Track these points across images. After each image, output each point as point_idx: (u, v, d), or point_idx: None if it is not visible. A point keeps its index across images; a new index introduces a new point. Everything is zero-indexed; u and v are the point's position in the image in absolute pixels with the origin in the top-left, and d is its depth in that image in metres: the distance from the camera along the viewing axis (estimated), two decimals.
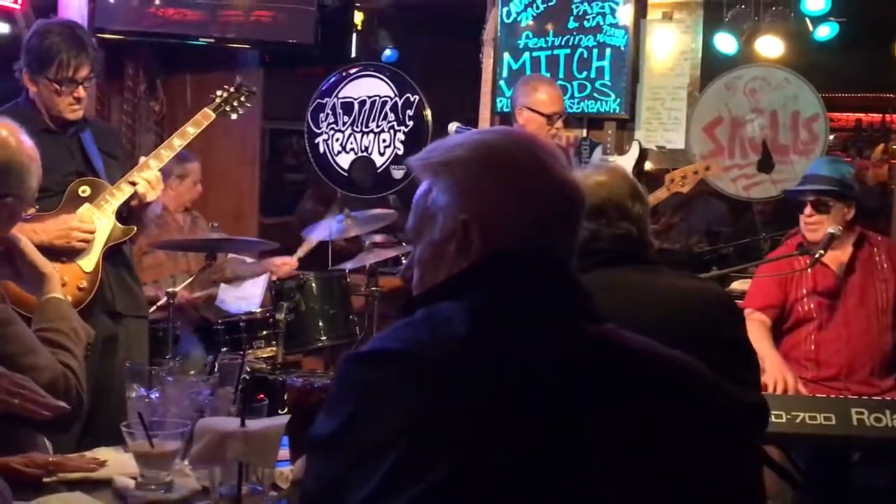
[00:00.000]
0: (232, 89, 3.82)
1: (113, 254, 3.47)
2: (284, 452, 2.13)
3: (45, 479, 2.02)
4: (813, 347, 3.90)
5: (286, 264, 4.95)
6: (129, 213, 3.49)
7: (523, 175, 1.43)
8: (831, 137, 8.59)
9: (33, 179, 2.37)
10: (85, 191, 3.41)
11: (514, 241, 1.40)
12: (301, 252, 5.04)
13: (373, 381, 1.33)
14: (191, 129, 3.64)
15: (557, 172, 1.45)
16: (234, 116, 3.86)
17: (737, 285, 4.57)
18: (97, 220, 3.39)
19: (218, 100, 3.78)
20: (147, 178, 3.44)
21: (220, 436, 1.69)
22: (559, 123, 4.45)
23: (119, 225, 3.46)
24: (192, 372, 2.57)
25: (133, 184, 3.43)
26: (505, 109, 5.12)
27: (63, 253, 3.29)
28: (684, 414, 1.37)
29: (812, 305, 3.90)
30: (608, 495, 1.30)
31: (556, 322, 1.38)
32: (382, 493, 1.25)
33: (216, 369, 2.39)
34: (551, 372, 1.32)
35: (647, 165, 5.45)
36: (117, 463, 2.12)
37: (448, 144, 1.48)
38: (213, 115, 3.72)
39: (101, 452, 2.19)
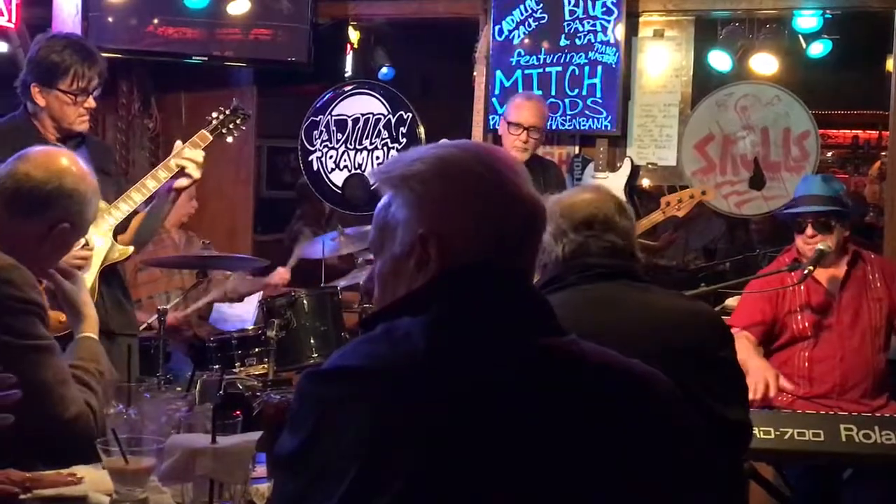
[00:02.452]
0: (228, 112, 3.82)
1: (108, 273, 3.48)
2: (262, 469, 2.13)
3: (21, 496, 2.01)
4: (806, 365, 3.88)
5: (281, 277, 4.97)
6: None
7: (480, 190, 1.42)
8: (829, 155, 8.64)
9: (91, 211, 2.42)
10: None
11: (471, 256, 1.40)
12: (292, 262, 5.06)
13: (331, 397, 1.33)
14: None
15: (516, 187, 1.44)
16: (229, 139, 3.87)
17: (731, 302, 4.56)
18: (94, 239, 3.40)
19: (214, 122, 3.78)
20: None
21: (189, 452, 1.69)
22: (524, 135, 4.47)
23: (116, 245, 3.47)
24: (179, 389, 2.57)
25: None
26: (497, 126, 5.14)
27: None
28: (643, 428, 1.37)
29: (806, 323, 3.88)
30: None
31: (515, 337, 1.38)
32: None
33: (198, 386, 2.40)
34: (508, 387, 1.33)
35: (646, 183, 5.46)
36: (94, 479, 2.12)
37: (408, 158, 1.48)
38: (210, 138, 3.72)
39: (79, 469, 2.18)
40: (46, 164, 2.35)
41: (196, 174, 3.53)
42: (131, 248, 3.52)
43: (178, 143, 3.60)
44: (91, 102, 3.46)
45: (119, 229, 3.51)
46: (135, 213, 3.54)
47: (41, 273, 2.39)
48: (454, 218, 1.41)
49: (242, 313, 5.26)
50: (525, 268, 1.46)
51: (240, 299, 5.21)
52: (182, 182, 3.53)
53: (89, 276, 3.37)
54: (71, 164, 2.38)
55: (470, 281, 1.39)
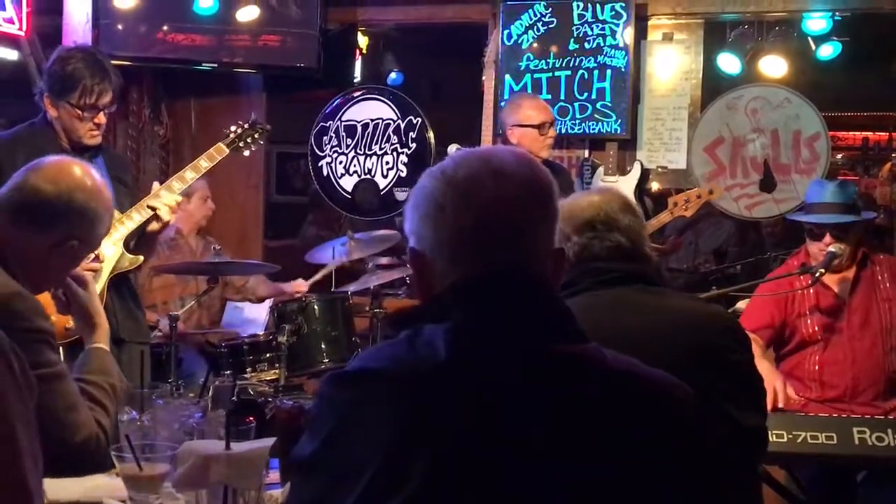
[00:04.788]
0: (246, 126, 3.82)
1: (119, 281, 3.48)
2: (275, 475, 2.13)
3: None
4: (817, 368, 3.87)
5: (297, 288, 4.99)
6: (143, 237, 3.50)
7: (457, 201, 1.43)
8: (839, 157, 8.61)
9: (103, 227, 2.34)
10: None
11: (472, 267, 1.41)
12: (317, 277, 5.08)
13: (352, 400, 1.35)
14: (204, 163, 3.66)
15: (492, 192, 1.43)
16: (246, 153, 3.88)
17: (742, 305, 4.55)
18: (104, 247, 3.40)
19: (232, 135, 3.78)
20: (167, 203, 3.46)
21: (203, 459, 1.69)
22: (552, 131, 4.52)
23: (127, 254, 3.46)
24: (191, 395, 2.58)
25: (153, 208, 3.44)
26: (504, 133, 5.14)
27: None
28: (662, 437, 1.37)
29: (816, 327, 3.87)
30: None
31: (535, 344, 1.38)
32: None
33: (210, 392, 2.40)
34: (528, 393, 1.33)
35: (656, 186, 5.45)
36: (108, 486, 2.12)
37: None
38: (227, 151, 3.72)
39: (95, 478, 2.19)
40: (57, 178, 2.26)
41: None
42: (141, 258, 3.52)
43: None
44: (101, 118, 3.44)
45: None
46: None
47: (51, 286, 2.35)
48: (438, 234, 1.44)
49: (254, 318, 5.28)
50: (535, 270, 1.45)
51: (259, 301, 5.22)
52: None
53: (98, 285, 3.38)
54: (84, 177, 2.29)
55: (486, 288, 1.40)
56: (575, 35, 5.28)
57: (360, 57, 6.37)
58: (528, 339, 1.38)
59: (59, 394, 2.14)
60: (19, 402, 1.62)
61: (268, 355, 4.42)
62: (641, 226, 2.36)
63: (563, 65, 5.30)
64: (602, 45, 5.22)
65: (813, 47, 5.56)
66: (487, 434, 1.30)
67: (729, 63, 5.45)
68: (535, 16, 5.34)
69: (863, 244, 3.92)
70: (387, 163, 5.77)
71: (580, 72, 5.27)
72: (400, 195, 5.71)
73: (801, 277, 3.86)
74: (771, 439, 3.12)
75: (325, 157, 5.90)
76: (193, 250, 5.14)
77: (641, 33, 5.30)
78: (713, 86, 5.40)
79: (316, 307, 4.47)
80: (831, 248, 3.76)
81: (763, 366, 3.65)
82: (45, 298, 2.42)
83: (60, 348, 2.27)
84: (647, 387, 1.40)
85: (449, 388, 1.32)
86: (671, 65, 5.29)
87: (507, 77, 5.41)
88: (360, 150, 5.83)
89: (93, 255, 2.61)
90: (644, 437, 1.35)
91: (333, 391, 1.38)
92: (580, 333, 1.43)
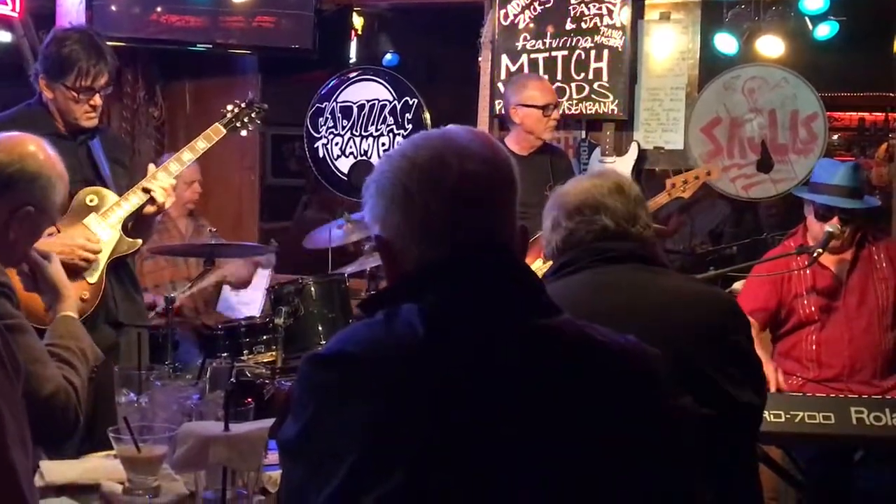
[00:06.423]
0: (243, 105, 3.79)
1: (117, 265, 3.46)
2: (274, 456, 2.13)
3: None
4: (814, 348, 3.88)
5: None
6: (140, 219, 3.49)
7: (425, 183, 1.41)
8: (835, 137, 8.59)
9: (58, 195, 2.38)
10: (92, 200, 3.40)
11: (444, 249, 1.40)
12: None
13: (330, 383, 1.34)
14: (201, 144, 3.62)
15: (458, 172, 1.41)
16: (244, 133, 3.85)
17: (738, 285, 4.55)
18: (102, 231, 3.38)
19: (229, 115, 3.75)
20: (162, 185, 3.44)
21: (203, 440, 1.69)
22: (555, 113, 4.59)
23: (125, 237, 3.44)
24: (189, 377, 2.57)
25: (146, 190, 3.42)
26: (503, 112, 5.12)
27: (65, 267, 3.29)
28: (639, 408, 1.37)
29: (812, 308, 3.88)
30: (561, 489, 1.31)
31: (510, 320, 1.38)
32: (341, 499, 1.27)
33: (208, 374, 2.39)
34: (506, 370, 1.34)
35: (653, 167, 5.44)
36: (107, 468, 2.12)
37: (379, 162, 1.50)
38: (224, 131, 3.69)
39: (92, 459, 2.19)
40: (10, 148, 2.32)
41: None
42: (139, 241, 3.50)
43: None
44: (97, 100, 3.42)
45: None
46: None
47: (16, 259, 2.37)
48: (400, 222, 1.42)
49: (249, 301, 5.27)
50: (509, 246, 1.44)
51: (245, 285, 5.20)
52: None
53: (96, 269, 3.36)
54: (38, 150, 2.35)
55: (460, 269, 1.40)
56: (572, 15, 5.24)
57: (355, 38, 6.34)
58: (503, 316, 1.38)
59: (22, 346, 2.13)
60: (5, 380, 1.61)
61: (265, 337, 4.41)
62: (635, 205, 2.34)
63: (560, 45, 5.27)
64: (599, 24, 5.19)
65: (810, 27, 5.54)
66: (469, 412, 1.30)
67: (726, 43, 5.43)
68: None
69: (862, 226, 3.92)
70: (383, 144, 5.76)
71: (577, 52, 5.24)
72: None
73: (799, 258, 3.87)
74: (769, 420, 3.16)
75: (320, 138, 5.88)
76: (182, 233, 5.11)
77: (638, 13, 5.26)
78: (710, 66, 5.37)
79: (313, 289, 4.46)
80: (828, 228, 3.76)
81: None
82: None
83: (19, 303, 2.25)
84: (624, 358, 1.41)
85: (427, 369, 1.32)
86: (668, 45, 5.27)
87: (504, 57, 5.38)
88: (356, 131, 5.81)
89: (53, 229, 2.62)
90: (624, 408, 1.36)
91: (311, 373, 1.38)
92: (553, 306, 1.43)
